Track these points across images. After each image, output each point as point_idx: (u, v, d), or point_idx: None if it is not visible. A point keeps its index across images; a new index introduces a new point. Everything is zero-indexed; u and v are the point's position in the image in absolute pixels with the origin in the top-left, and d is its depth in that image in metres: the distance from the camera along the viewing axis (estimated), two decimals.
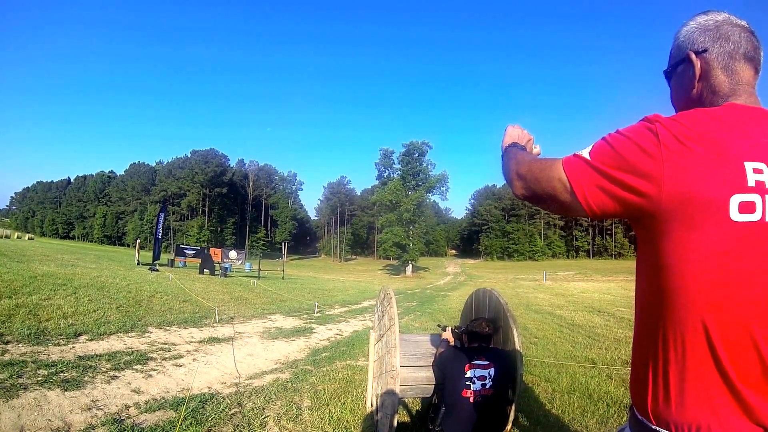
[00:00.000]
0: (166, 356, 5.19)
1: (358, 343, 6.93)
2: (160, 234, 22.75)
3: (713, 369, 0.72)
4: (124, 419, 3.24)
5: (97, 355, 4.73)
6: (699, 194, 0.71)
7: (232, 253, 30.13)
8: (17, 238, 48.78)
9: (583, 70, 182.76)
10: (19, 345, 4.62)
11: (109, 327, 5.98)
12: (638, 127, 0.79)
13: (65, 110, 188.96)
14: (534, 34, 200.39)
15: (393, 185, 58.59)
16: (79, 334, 5.41)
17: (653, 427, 0.78)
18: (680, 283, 0.73)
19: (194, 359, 5.27)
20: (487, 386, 2.45)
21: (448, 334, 2.87)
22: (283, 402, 3.91)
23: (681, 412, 0.74)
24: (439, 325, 3.17)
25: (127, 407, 3.49)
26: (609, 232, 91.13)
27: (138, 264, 19.11)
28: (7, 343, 4.60)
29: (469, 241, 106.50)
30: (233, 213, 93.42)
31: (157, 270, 16.47)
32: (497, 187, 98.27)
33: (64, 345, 4.91)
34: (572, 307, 12.06)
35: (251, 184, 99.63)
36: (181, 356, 5.30)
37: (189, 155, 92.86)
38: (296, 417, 3.56)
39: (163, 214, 25.35)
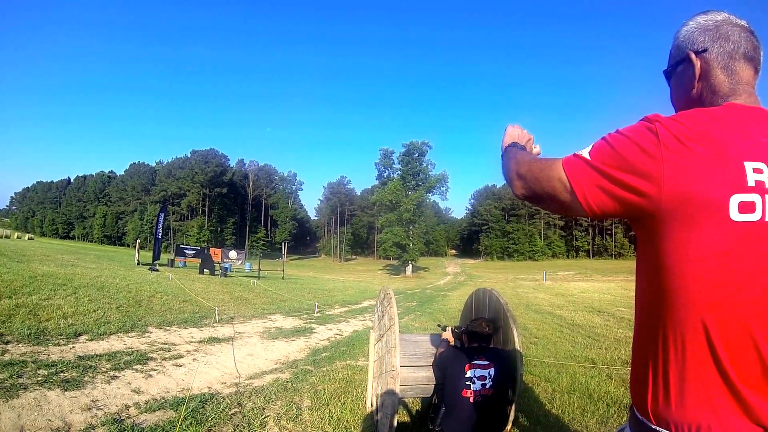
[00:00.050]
0: (166, 356, 5.19)
1: (358, 343, 6.93)
2: (160, 234, 22.76)
3: (713, 369, 0.72)
4: (124, 419, 3.24)
5: (97, 355, 4.73)
6: (699, 194, 0.71)
7: (232, 253, 30.16)
8: (17, 238, 48.79)
9: (583, 70, 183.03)
10: (19, 345, 4.62)
11: (109, 327, 5.98)
12: (638, 127, 0.79)
13: (65, 110, 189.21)
14: (534, 34, 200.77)
15: (393, 185, 58.56)
16: (79, 334, 5.41)
17: (653, 426, 0.78)
18: (680, 283, 0.73)
19: (194, 359, 5.27)
20: (487, 386, 2.45)
21: (448, 334, 2.87)
22: (283, 402, 3.91)
23: (681, 412, 0.74)
24: (439, 325, 3.17)
25: (127, 407, 3.49)
26: (609, 232, 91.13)
27: (138, 264, 19.12)
28: (7, 343, 4.60)
29: (469, 241, 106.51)
30: (233, 213, 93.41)
31: (157, 270, 16.47)
32: (497, 187, 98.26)
33: (64, 345, 4.91)
34: (572, 307, 12.06)
35: (251, 184, 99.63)
36: (181, 356, 5.30)
37: (189, 155, 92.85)
38: (296, 417, 3.56)
39: (163, 214, 25.35)
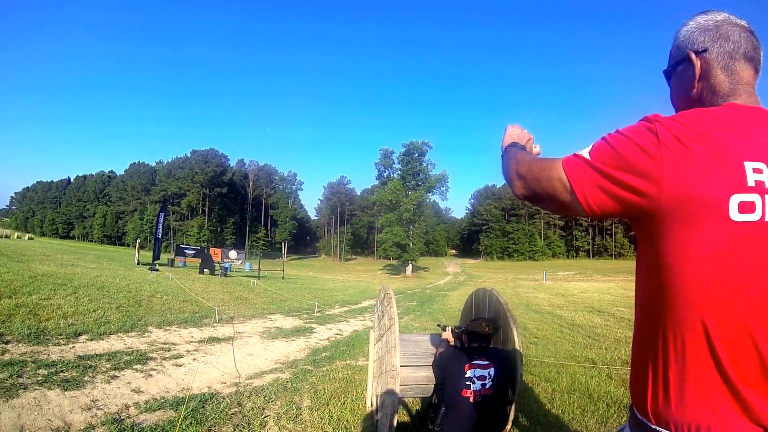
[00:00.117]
0: (166, 356, 5.19)
1: (358, 342, 6.93)
2: (160, 234, 22.77)
3: (713, 369, 0.72)
4: (124, 419, 3.25)
5: (97, 355, 4.73)
6: (699, 194, 0.71)
7: (232, 253, 30.20)
8: (17, 237, 48.83)
9: (583, 70, 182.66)
10: (19, 345, 4.62)
11: (109, 327, 5.98)
12: (638, 126, 0.79)
13: (65, 110, 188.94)
14: (534, 34, 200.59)
15: (393, 185, 58.56)
16: (79, 334, 5.42)
17: (653, 426, 0.78)
18: (680, 283, 0.74)
19: (194, 359, 5.27)
20: (487, 386, 2.45)
21: (448, 334, 2.87)
22: (283, 402, 3.92)
23: (681, 412, 0.74)
24: (439, 325, 3.17)
25: (127, 407, 3.49)
26: (609, 232, 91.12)
27: (138, 264, 19.13)
28: (7, 342, 4.60)
29: (469, 241, 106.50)
30: (233, 213, 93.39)
31: (157, 270, 16.48)
32: (497, 186, 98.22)
33: (64, 345, 4.92)
34: (572, 307, 12.06)
35: (251, 184, 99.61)
36: (181, 356, 5.30)
37: (189, 155, 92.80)
38: (296, 417, 3.57)
39: (163, 213, 25.37)
